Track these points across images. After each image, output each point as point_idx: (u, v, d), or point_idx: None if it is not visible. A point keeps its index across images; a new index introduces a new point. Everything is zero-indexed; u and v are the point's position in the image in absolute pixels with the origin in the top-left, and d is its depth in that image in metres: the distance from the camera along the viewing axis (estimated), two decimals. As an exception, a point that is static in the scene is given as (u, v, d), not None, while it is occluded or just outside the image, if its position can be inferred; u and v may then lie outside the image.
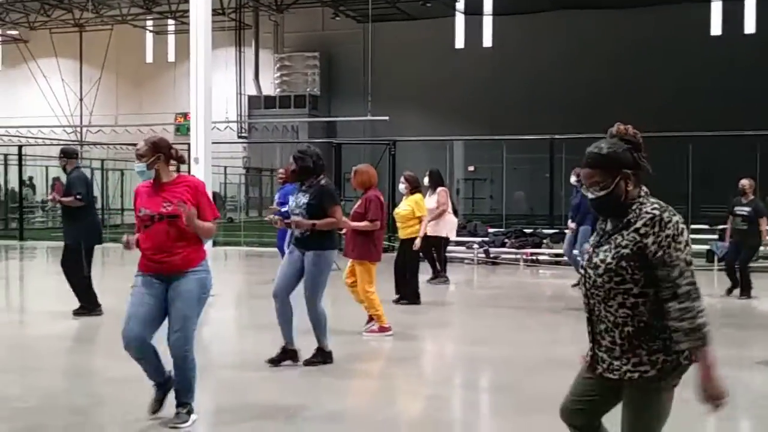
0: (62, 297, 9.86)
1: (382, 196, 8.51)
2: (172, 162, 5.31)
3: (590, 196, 3.20)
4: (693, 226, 16.11)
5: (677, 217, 3.08)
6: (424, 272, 12.11)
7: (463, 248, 17.07)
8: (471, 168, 32.57)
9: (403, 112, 33.81)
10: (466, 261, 16.80)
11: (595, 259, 3.18)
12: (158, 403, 5.30)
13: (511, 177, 23.92)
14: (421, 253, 11.27)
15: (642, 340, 3.08)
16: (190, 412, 5.19)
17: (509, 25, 35.46)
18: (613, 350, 3.14)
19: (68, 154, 9.73)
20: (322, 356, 7.06)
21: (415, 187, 10.87)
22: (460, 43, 37.32)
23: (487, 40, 36.90)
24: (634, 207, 3.12)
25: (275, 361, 6.93)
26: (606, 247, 3.16)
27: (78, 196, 9.33)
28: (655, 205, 3.10)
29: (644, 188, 3.18)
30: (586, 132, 13.95)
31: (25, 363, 7.52)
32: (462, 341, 8.87)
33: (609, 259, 3.11)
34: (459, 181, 32.07)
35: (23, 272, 16.58)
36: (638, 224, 3.07)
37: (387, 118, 31.66)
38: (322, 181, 6.99)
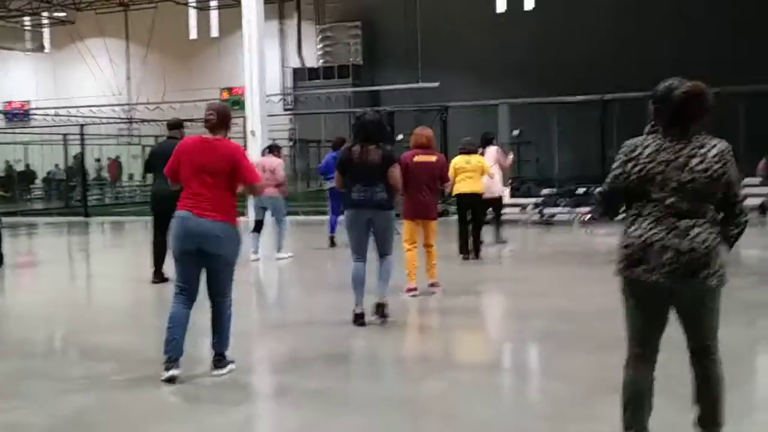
0: (134, 266, 10.46)
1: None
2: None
3: None
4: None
5: None
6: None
7: (516, 210, 17.34)
8: (516, 132, 32.42)
9: (449, 78, 33.71)
10: (520, 222, 17.08)
11: None
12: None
13: (560, 139, 23.98)
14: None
15: None
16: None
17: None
18: None
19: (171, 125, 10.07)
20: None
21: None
22: (501, 7, 36.98)
23: (529, 3, 36.55)
24: None
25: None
26: None
27: None
28: None
29: None
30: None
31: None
32: (521, 294, 9.16)
33: None
34: (504, 145, 31.92)
35: (103, 246, 17.23)
36: None
37: (437, 84, 31.62)
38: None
